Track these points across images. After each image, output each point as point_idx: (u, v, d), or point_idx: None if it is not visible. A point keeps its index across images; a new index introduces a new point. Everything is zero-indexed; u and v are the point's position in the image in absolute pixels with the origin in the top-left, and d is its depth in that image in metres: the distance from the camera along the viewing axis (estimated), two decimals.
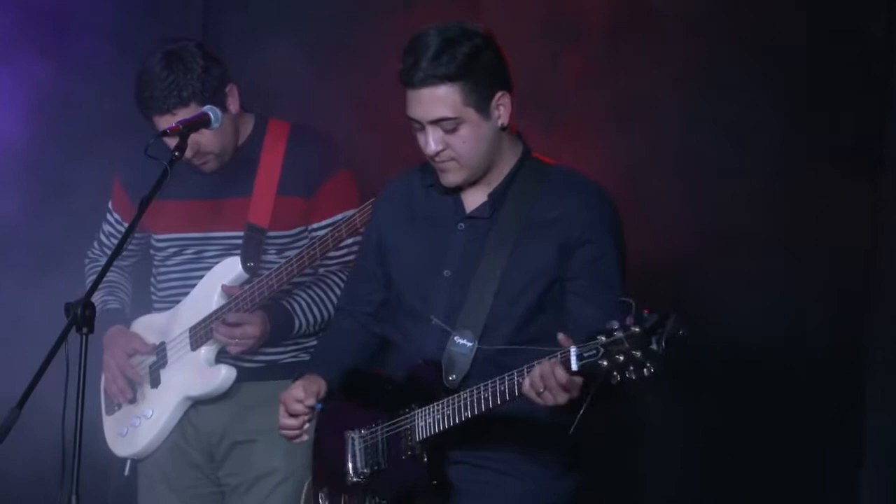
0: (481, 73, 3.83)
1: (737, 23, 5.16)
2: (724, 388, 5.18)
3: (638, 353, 3.39)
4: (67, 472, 3.79)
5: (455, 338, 3.85)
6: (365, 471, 3.99)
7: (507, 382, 3.64)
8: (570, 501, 3.96)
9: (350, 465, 4.01)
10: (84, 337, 3.86)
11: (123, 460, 5.08)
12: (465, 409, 3.74)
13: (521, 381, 3.61)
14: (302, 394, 4.01)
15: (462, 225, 3.95)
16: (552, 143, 4.12)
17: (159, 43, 4.85)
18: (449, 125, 3.83)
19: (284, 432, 4.07)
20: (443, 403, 3.80)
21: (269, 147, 4.90)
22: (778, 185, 5.17)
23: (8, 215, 5.65)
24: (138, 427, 5.02)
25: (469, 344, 3.84)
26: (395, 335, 4.05)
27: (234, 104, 4.81)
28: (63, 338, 3.87)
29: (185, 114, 4.62)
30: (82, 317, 3.86)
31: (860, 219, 5.06)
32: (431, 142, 3.85)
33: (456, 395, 3.76)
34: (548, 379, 3.54)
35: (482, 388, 3.69)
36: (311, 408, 4.01)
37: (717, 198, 5.21)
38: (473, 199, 3.96)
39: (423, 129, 3.87)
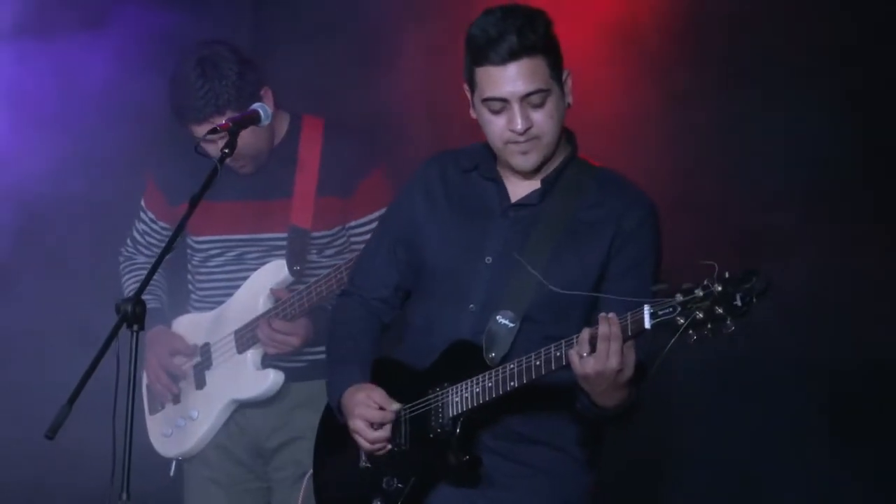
0: (556, 48, 3.82)
1: (782, 22, 5.14)
2: (776, 390, 5.16)
3: (720, 310, 3.39)
4: (118, 469, 3.78)
5: (497, 317, 3.81)
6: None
7: (563, 348, 3.62)
8: (591, 496, 3.95)
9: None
10: (135, 334, 3.86)
11: (169, 461, 5.09)
12: (512, 379, 3.70)
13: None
14: (382, 399, 3.90)
15: (509, 212, 3.91)
16: (596, 144, 4.10)
17: (192, 47, 4.84)
18: (538, 99, 3.77)
19: (376, 447, 3.91)
20: (482, 377, 3.76)
21: (306, 146, 4.90)
22: (825, 186, 5.14)
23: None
24: (183, 428, 5.03)
25: (511, 325, 3.80)
26: (419, 320, 3.98)
27: (269, 107, 4.80)
28: (114, 335, 3.85)
29: (221, 121, 4.56)
30: (133, 314, 3.86)
31: None
32: (520, 119, 3.78)
33: (500, 367, 3.73)
34: (602, 340, 3.53)
35: (533, 356, 3.66)
36: (395, 412, 3.90)
37: (764, 198, 5.19)
38: (519, 188, 3.93)
39: (503, 110, 3.80)
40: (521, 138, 3.81)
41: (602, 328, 3.54)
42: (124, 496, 3.76)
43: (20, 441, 5.27)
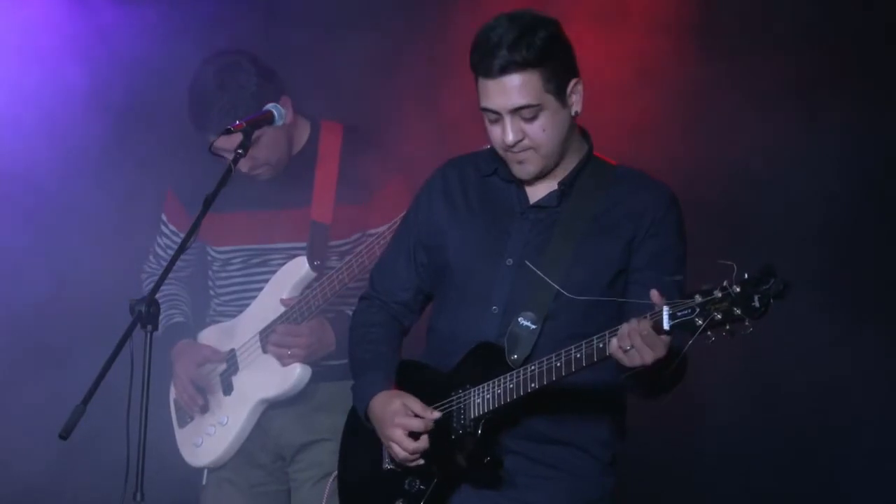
0: (558, 60, 3.80)
1: (814, 23, 5.11)
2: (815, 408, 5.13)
3: (738, 311, 3.39)
4: (132, 468, 3.79)
5: (519, 319, 3.82)
6: None
7: (584, 349, 3.62)
8: (613, 495, 3.94)
9: (387, 452, 3.96)
10: (149, 334, 3.87)
11: (200, 471, 5.09)
12: (533, 381, 3.71)
13: (601, 345, 3.60)
14: (420, 408, 3.89)
15: (528, 214, 3.91)
16: (614, 142, 4.09)
17: (211, 57, 4.84)
18: (529, 113, 3.79)
19: (414, 457, 3.87)
20: (504, 378, 3.77)
21: (325, 153, 4.90)
22: (859, 193, 5.10)
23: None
24: (213, 435, 5.03)
25: (533, 326, 3.81)
26: (442, 324, 3.99)
27: (288, 116, 4.75)
28: (128, 335, 3.87)
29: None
30: (147, 314, 3.87)
31: None
32: (511, 132, 3.80)
33: (521, 369, 3.75)
34: (634, 337, 3.53)
35: (553, 356, 3.68)
36: (434, 420, 3.88)
37: (797, 201, 5.15)
38: (538, 190, 3.93)
39: (498, 120, 3.82)
40: (515, 149, 3.83)
41: (629, 328, 3.55)
42: (139, 496, 3.78)
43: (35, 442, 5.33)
